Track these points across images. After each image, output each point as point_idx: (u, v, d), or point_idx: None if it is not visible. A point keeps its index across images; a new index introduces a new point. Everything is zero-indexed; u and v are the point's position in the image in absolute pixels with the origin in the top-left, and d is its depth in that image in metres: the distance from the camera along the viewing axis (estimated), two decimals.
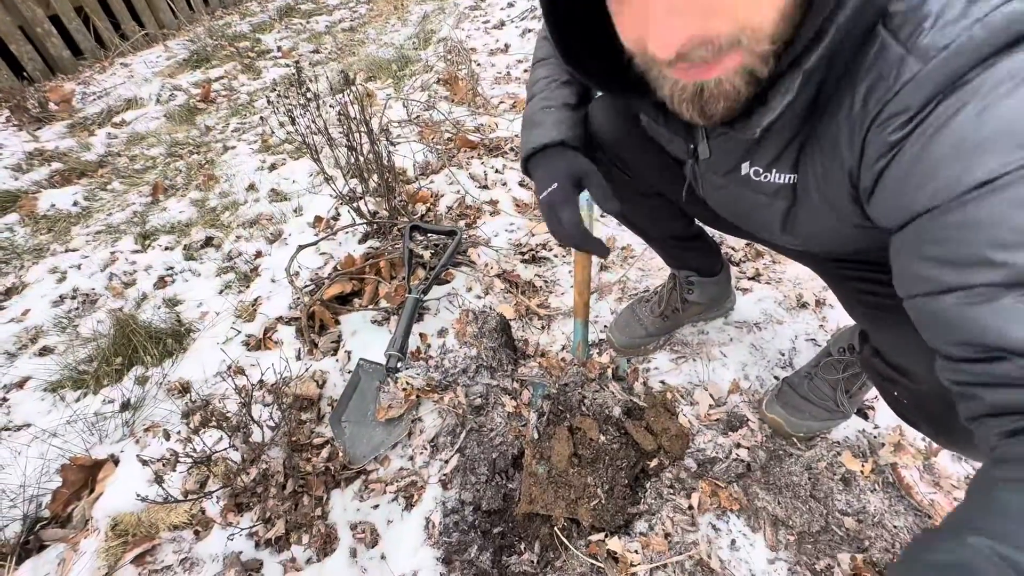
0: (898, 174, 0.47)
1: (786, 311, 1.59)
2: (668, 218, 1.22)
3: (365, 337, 1.62)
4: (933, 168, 0.44)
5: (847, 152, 0.52)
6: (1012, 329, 0.42)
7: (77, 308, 2.01)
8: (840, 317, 1.53)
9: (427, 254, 1.83)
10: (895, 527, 1.12)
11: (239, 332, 1.71)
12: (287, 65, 3.88)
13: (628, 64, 0.60)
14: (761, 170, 0.66)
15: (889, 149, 0.47)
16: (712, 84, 0.51)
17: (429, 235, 1.90)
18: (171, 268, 2.14)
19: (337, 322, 1.68)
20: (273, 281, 1.90)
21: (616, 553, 1.12)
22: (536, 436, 1.28)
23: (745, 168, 0.68)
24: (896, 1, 0.46)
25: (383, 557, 1.17)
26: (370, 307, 1.71)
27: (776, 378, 1.41)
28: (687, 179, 0.86)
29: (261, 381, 1.48)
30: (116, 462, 1.40)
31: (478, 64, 3.38)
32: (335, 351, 1.61)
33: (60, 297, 2.05)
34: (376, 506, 1.25)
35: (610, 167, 1.05)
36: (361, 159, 1.83)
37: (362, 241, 1.99)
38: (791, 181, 0.64)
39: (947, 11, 0.43)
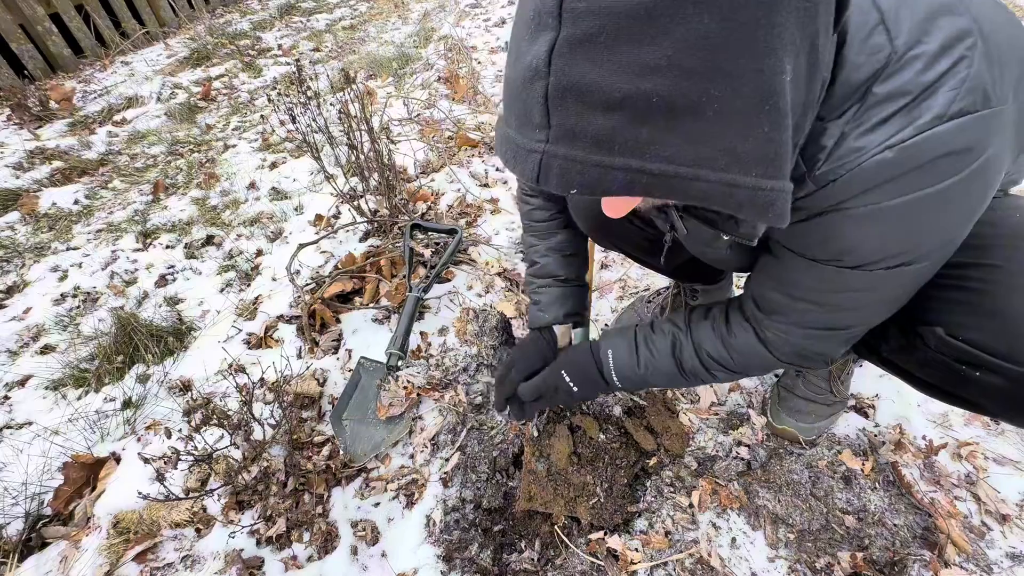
0: (797, 232, 0.72)
1: None
2: (673, 254, 1.23)
3: (366, 335, 1.62)
4: (810, 243, 0.72)
5: None
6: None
7: (78, 306, 2.01)
8: None
9: (428, 252, 1.83)
10: (895, 525, 1.12)
11: (240, 330, 1.72)
12: (288, 63, 3.88)
13: None
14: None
15: (793, 223, 0.69)
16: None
17: (430, 233, 1.90)
18: (172, 266, 2.14)
19: (338, 320, 1.68)
20: (274, 279, 1.90)
21: (616, 551, 1.12)
22: (536, 434, 1.28)
23: (725, 236, 0.83)
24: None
25: (384, 555, 1.17)
26: (371, 305, 1.71)
27: (776, 376, 1.41)
28: (665, 247, 1.05)
29: (262, 379, 1.48)
30: (118, 460, 1.40)
31: (479, 62, 3.37)
32: (336, 349, 1.62)
33: (61, 295, 2.05)
34: (377, 504, 1.25)
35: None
36: (362, 157, 1.83)
37: (363, 239, 1.99)
38: None
39: (837, 148, 0.59)
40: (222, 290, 1.99)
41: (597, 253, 1.87)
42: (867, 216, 0.63)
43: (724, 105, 0.43)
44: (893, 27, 0.56)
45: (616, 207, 0.62)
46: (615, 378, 1.01)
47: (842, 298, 0.75)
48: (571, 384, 1.05)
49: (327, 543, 1.20)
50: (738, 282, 1.71)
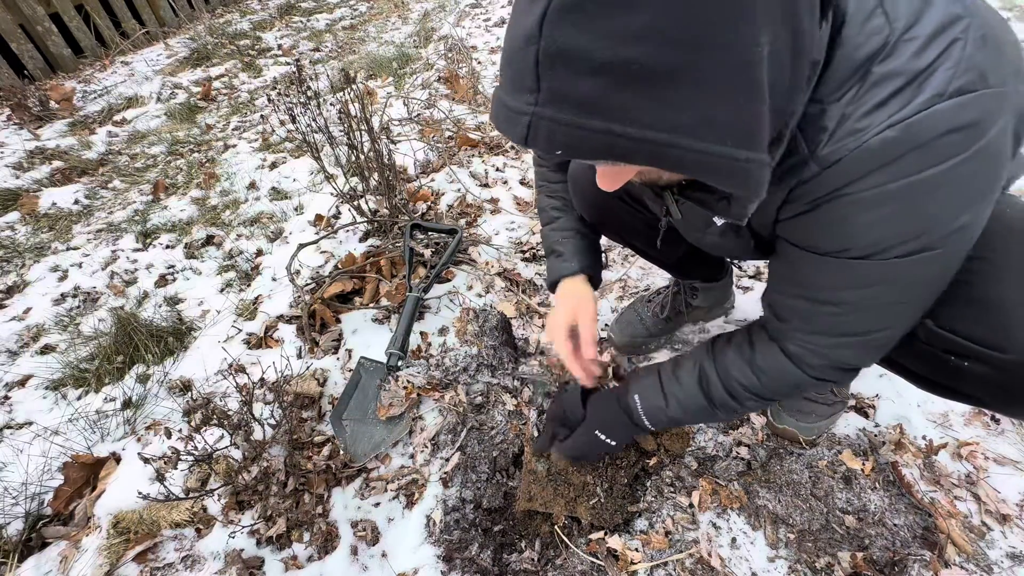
0: (800, 224, 0.72)
1: None
2: (675, 243, 1.23)
3: (366, 335, 1.62)
4: (815, 234, 0.71)
5: (773, 199, 0.72)
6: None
7: (78, 306, 2.01)
8: None
9: (428, 252, 1.83)
10: (895, 525, 1.12)
11: (240, 330, 1.72)
12: (288, 63, 3.88)
13: None
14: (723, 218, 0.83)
15: (797, 214, 0.71)
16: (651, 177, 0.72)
17: (430, 233, 1.90)
18: (172, 266, 2.14)
19: (338, 320, 1.68)
20: (274, 279, 1.90)
21: (616, 551, 1.12)
22: (536, 434, 1.28)
23: (719, 219, 0.83)
24: (805, 104, 0.60)
25: (384, 555, 1.17)
26: (371, 305, 1.71)
27: None
28: (661, 231, 1.04)
29: (262, 379, 1.48)
30: (118, 460, 1.40)
31: (479, 62, 3.38)
32: (336, 349, 1.62)
33: (61, 295, 2.05)
34: (377, 504, 1.25)
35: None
36: (362, 157, 1.83)
37: (363, 239, 1.99)
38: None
39: (839, 129, 0.59)
40: (222, 290, 1.99)
41: None
42: (871, 200, 0.62)
43: (701, 73, 0.45)
44: (891, 10, 0.57)
45: (609, 180, 0.63)
46: (646, 422, 1.00)
47: (859, 295, 0.72)
48: (607, 440, 1.06)
49: (327, 543, 1.20)
50: (739, 283, 1.71)
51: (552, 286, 1.16)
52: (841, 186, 0.63)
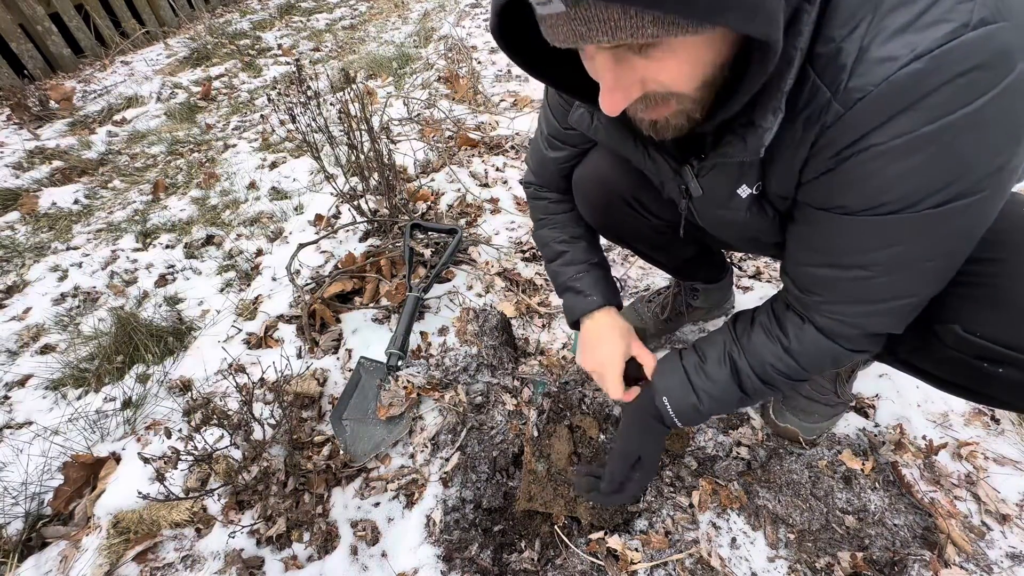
0: (825, 184, 0.69)
1: None
2: (680, 246, 1.23)
3: (366, 335, 1.62)
4: (842, 193, 0.67)
5: (796, 157, 0.69)
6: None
7: (78, 306, 2.01)
8: None
9: (428, 252, 1.83)
10: (895, 525, 1.12)
11: (240, 330, 1.72)
12: (288, 63, 3.88)
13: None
14: (748, 188, 0.80)
15: (821, 173, 0.68)
16: (659, 120, 0.67)
17: (430, 233, 1.90)
18: (172, 266, 2.14)
19: (338, 320, 1.68)
20: (274, 279, 1.91)
21: (616, 551, 1.12)
22: (536, 434, 1.28)
23: (744, 190, 0.80)
24: (819, 44, 0.58)
25: (384, 555, 1.17)
26: (371, 305, 1.71)
27: None
28: (683, 218, 0.97)
29: (262, 379, 1.48)
30: (118, 460, 1.40)
31: (479, 62, 3.37)
32: (336, 349, 1.62)
33: (61, 295, 2.05)
34: (377, 504, 1.25)
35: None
36: (362, 157, 1.83)
37: (363, 239, 1.99)
38: (758, 190, 0.79)
39: (860, 62, 0.56)
40: (222, 290, 1.99)
41: None
42: (902, 148, 0.58)
43: None
44: None
45: (613, 95, 0.60)
46: (679, 423, 0.97)
47: (888, 255, 0.68)
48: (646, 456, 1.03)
49: (327, 543, 1.20)
50: (738, 282, 1.71)
51: (575, 324, 1.14)
52: (866, 132, 0.59)
